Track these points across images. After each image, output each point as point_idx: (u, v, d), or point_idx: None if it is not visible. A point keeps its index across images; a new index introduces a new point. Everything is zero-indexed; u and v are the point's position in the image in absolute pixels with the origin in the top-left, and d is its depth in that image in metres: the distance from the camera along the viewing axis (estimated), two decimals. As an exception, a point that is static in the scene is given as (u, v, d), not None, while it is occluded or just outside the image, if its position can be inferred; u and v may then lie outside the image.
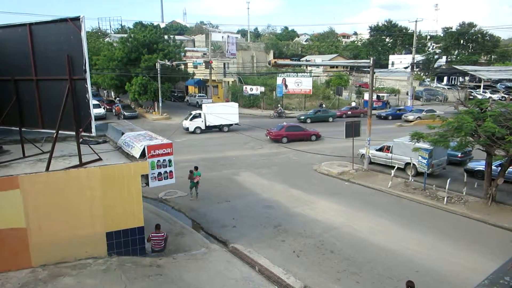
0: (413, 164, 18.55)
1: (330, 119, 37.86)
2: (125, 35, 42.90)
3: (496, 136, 13.96)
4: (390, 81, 57.32)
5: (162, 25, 75.08)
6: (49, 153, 9.64)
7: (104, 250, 9.90)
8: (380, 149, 21.10)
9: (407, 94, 47.68)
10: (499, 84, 58.95)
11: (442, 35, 78.16)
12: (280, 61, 22.10)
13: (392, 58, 73.33)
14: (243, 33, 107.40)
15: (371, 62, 19.81)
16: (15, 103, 10.39)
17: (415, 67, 48.69)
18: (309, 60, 66.77)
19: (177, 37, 55.26)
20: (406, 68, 47.55)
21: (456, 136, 14.88)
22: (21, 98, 10.43)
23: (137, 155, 10.26)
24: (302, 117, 36.97)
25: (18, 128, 10.78)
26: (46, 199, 9.09)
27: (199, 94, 50.71)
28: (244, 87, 46.35)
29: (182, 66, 44.94)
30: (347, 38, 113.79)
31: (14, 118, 10.57)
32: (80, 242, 9.58)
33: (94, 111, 9.96)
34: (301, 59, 72.47)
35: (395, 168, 18.69)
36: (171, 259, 10.69)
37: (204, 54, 60.38)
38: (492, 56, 74.51)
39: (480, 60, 72.29)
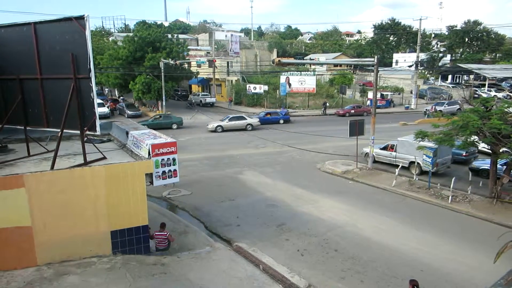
0: (418, 163, 18.46)
1: (174, 126, 33.18)
2: (130, 34, 43.11)
3: (502, 135, 13.86)
4: (394, 80, 57.07)
5: (166, 24, 75.32)
6: (54, 152, 9.67)
7: (108, 249, 9.93)
8: (384, 148, 21.02)
9: (411, 92, 47.47)
10: (504, 82, 58.52)
11: (446, 33, 77.60)
12: (284, 60, 22.06)
13: (396, 56, 72.96)
14: (246, 31, 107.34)
15: (376, 60, 19.73)
16: (20, 102, 10.43)
17: (419, 65, 48.45)
18: (313, 59, 66.62)
19: (180, 36, 55.44)
20: (410, 66, 47.31)
21: (461, 134, 14.80)
22: (26, 97, 10.47)
23: (146, 155, 10.26)
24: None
25: (23, 127, 10.83)
26: (51, 198, 9.13)
27: (203, 93, 50.80)
28: (247, 85, 46.36)
29: (186, 65, 45.03)
30: (350, 36, 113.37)
31: (19, 117, 10.62)
32: (84, 241, 9.62)
33: (98, 110, 9.99)
34: (304, 58, 72.33)
35: (399, 167, 18.62)
36: (175, 257, 10.71)
37: (207, 53, 60.48)
38: (497, 55, 73.95)
39: (484, 58, 71.69)
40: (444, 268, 10.62)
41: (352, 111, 40.14)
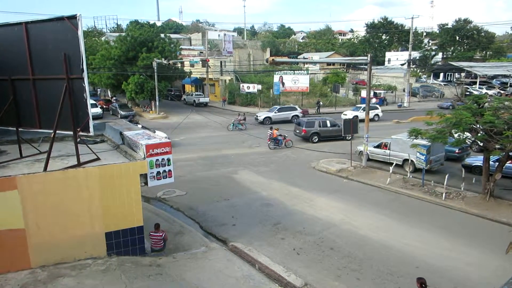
0: (411, 161, 18.59)
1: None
2: (123, 34, 42.79)
3: (494, 131, 14.00)
4: (386, 78, 57.41)
5: (158, 24, 74.94)
6: (46, 153, 9.56)
7: (103, 250, 9.85)
8: (378, 146, 21.13)
9: (404, 90, 47.80)
10: (494, 80, 59.26)
11: (438, 31, 78.34)
12: (278, 59, 22.08)
13: (388, 55, 73.41)
14: (239, 31, 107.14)
15: (369, 59, 19.80)
16: (12, 103, 10.29)
17: (411, 63, 48.79)
18: (306, 58, 66.73)
19: (173, 36, 55.14)
20: (402, 65, 47.66)
21: (454, 132, 14.93)
22: (18, 98, 10.32)
23: (143, 155, 10.18)
24: None
25: (15, 128, 10.68)
26: (44, 200, 9.02)
27: (196, 93, 50.61)
28: (241, 85, 46.28)
29: (179, 65, 44.85)
30: (343, 35, 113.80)
31: (11, 118, 10.46)
32: (79, 243, 9.52)
33: (91, 111, 9.89)
34: (298, 57, 72.44)
35: (393, 164, 18.73)
36: (171, 258, 10.65)
37: (200, 52, 60.23)
38: (487, 52, 74.80)
39: (475, 56, 72.52)
40: (439, 264, 10.71)
41: None
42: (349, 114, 35.23)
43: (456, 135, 15.31)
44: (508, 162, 15.56)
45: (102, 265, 9.42)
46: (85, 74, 9.04)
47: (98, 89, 55.47)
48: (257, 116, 35.02)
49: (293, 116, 35.25)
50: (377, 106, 38.54)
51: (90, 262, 9.49)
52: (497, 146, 14.37)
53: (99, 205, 9.61)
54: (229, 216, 14.35)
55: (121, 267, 9.44)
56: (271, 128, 25.91)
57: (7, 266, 8.87)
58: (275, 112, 35.04)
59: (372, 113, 35.24)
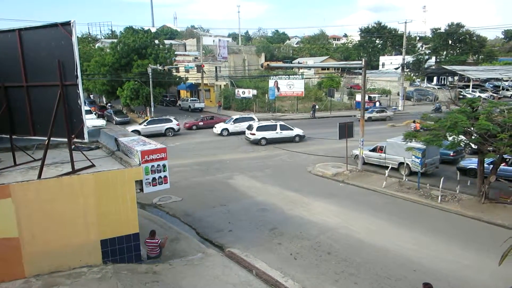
0: (407, 164, 18.65)
1: None
2: (116, 40, 42.78)
3: (488, 134, 14.11)
4: (381, 82, 57.79)
5: (153, 30, 74.96)
6: (40, 161, 9.48)
7: (99, 258, 9.74)
8: (374, 150, 21.19)
9: (398, 94, 48.12)
10: (487, 83, 59.88)
11: (430, 36, 79.19)
12: (273, 64, 22.16)
13: (382, 59, 74.05)
14: (234, 36, 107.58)
15: (363, 63, 19.95)
16: (5, 110, 10.22)
17: (405, 68, 49.18)
18: (301, 63, 67.01)
19: (168, 42, 55.17)
20: (396, 69, 48.08)
21: (449, 135, 15.02)
22: (12, 105, 10.25)
23: (138, 162, 10.12)
24: None
25: (8, 136, 10.59)
26: (38, 208, 8.92)
27: (191, 98, 50.61)
28: (236, 90, 46.36)
29: (174, 71, 44.86)
30: (337, 40, 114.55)
31: (5, 126, 10.39)
32: (74, 251, 9.42)
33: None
34: (292, 62, 72.75)
35: (389, 168, 18.77)
36: (167, 265, 10.57)
37: (195, 58, 60.34)
38: (479, 56, 75.67)
39: (468, 60, 73.32)
40: (436, 267, 10.71)
41: (201, 123, 34.96)
42: (218, 127, 32.25)
43: (450, 138, 15.42)
44: (502, 165, 15.69)
45: (98, 273, 9.31)
46: (79, 81, 9.00)
47: (91, 95, 55.29)
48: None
49: (167, 128, 32.00)
50: (254, 117, 33.28)
51: (85, 270, 9.37)
52: (490, 149, 14.48)
53: (94, 212, 9.53)
54: (226, 222, 14.28)
55: (117, 275, 9.33)
56: (414, 122, 28.67)
57: (1, 275, 8.73)
58: (144, 125, 31.69)
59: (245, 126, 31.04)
